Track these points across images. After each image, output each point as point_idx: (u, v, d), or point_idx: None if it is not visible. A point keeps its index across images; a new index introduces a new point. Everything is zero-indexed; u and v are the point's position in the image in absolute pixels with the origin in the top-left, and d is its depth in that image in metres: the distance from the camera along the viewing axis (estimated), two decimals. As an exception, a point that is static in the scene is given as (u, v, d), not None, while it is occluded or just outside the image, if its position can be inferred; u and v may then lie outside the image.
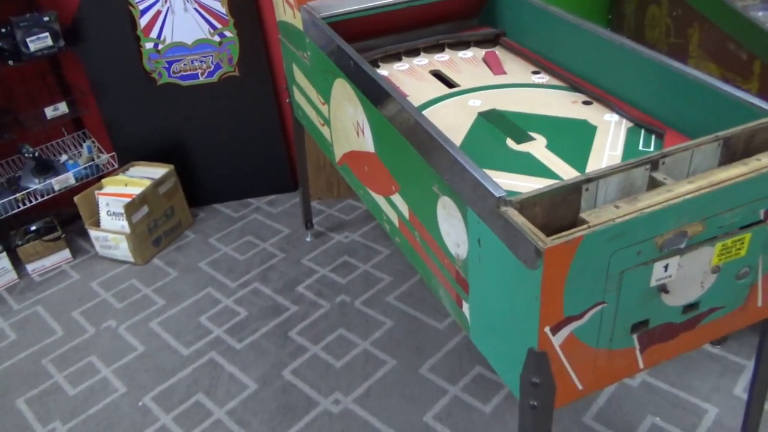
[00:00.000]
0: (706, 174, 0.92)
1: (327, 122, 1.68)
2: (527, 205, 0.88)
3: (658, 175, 0.94)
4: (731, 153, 1.01)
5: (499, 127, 1.32)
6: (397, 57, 1.70)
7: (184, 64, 2.35)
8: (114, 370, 1.87)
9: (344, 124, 1.53)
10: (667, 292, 0.93)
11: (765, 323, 1.15)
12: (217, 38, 2.33)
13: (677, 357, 1.71)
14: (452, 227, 1.06)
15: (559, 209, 0.91)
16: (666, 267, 0.90)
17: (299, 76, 1.84)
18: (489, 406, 1.63)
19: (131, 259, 2.29)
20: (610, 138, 1.26)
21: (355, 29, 1.64)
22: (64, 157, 2.37)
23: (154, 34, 2.29)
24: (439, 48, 1.74)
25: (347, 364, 1.81)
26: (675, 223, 0.87)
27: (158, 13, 2.26)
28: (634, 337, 0.96)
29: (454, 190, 1.01)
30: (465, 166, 0.95)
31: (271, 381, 1.77)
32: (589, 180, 0.91)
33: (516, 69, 1.59)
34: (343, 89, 1.46)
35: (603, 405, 1.60)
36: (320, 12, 1.57)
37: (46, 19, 2.10)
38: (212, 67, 2.37)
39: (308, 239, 2.39)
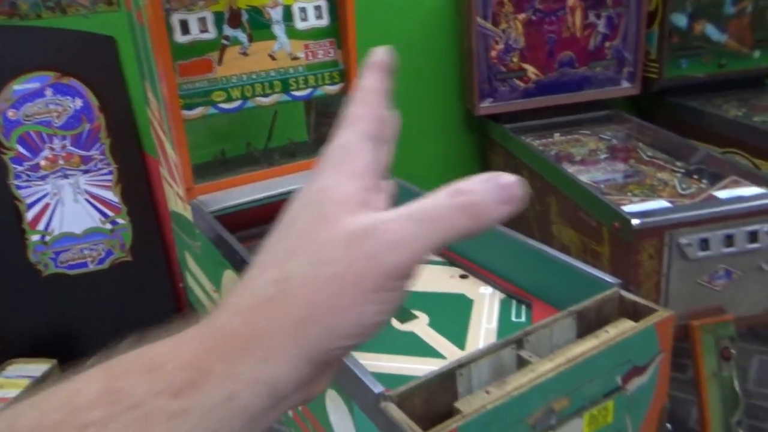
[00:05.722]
0: (565, 349, 1.01)
1: (220, 309, 1.68)
2: (406, 397, 0.91)
3: (524, 353, 1.02)
4: (586, 324, 1.12)
5: (384, 308, 1.39)
6: (287, 241, 1.78)
7: (73, 254, 2.31)
8: None
9: (236, 312, 1.55)
10: (547, 468, 0.97)
11: (648, 481, 1.19)
12: (108, 226, 2.34)
13: None
14: (341, 420, 1.07)
15: (437, 397, 0.95)
16: (542, 444, 0.95)
17: (191, 263, 1.87)
18: None
19: (2, 473, 2.04)
20: (486, 310, 1.36)
21: (246, 218, 1.72)
22: (-70, 361, 2.17)
23: (41, 226, 2.26)
24: (327, 229, 1.84)
25: None
26: (542, 401, 0.94)
27: (47, 206, 2.25)
28: None
29: (338, 384, 1.04)
30: (344, 361, 0.98)
31: None
32: (461, 366, 0.97)
33: (398, 247, 1.71)
34: (232, 280, 1.49)
35: None
36: (209, 206, 1.65)
37: None
38: (103, 254, 2.35)
39: (207, 426, 2.25)
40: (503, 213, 0.32)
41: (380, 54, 0.39)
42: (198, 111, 1.71)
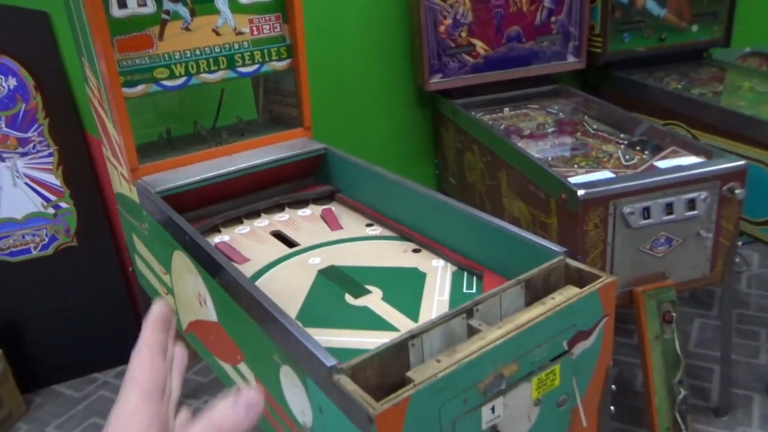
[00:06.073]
0: (513, 317, 1.03)
1: (170, 291, 1.65)
2: (358, 370, 0.92)
3: (474, 322, 1.04)
4: (534, 292, 1.15)
5: (337, 284, 1.39)
6: (238, 220, 1.75)
7: (14, 240, 2.22)
8: None
9: (187, 293, 1.52)
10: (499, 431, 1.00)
11: (595, 440, 1.25)
12: (51, 210, 2.25)
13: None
14: (296, 395, 1.07)
15: (390, 368, 0.96)
16: (493, 409, 0.98)
17: (140, 245, 1.82)
18: None
19: (-53, 468, 1.98)
20: (438, 283, 1.38)
21: (194, 198, 1.68)
22: None
23: (-23, 212, 2.16)
24: (279, 208, 1.83)
25: None
26: (492, 367, 0.96)
27: (-17, 191, 2.16)
28: (479, 480, 1.01)
29: (291, 359, 1.04)
30: (297, 336, 0.98)
31: None
32: (413, 336, 0.98)
33: (351, 223, 1.71)
34: (182, 261, 1.47)
35: None
36: (155, 186, 1.60)
37: None
38: (46, 240, 2.26)
39: (163, 410, 2.22)
40: (249, 419, 0.40)
41: (158, 308, 0.46)
42: (140, 89, 1.65)
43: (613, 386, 1.21)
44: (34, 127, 2.18)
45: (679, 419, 1.72)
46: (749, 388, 2.08)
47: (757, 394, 2.05)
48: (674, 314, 1.72)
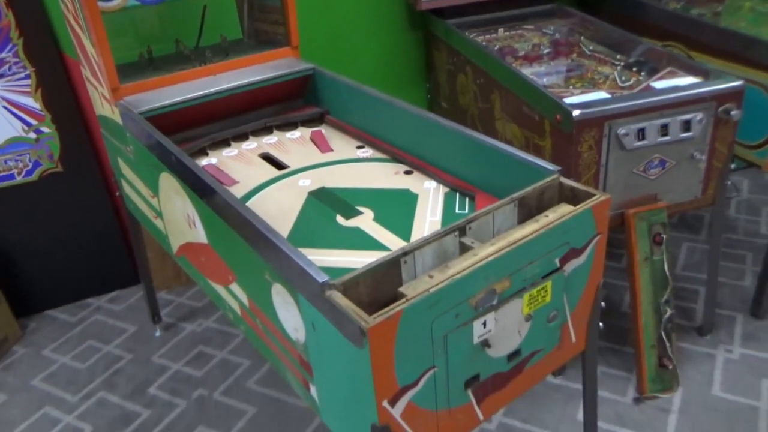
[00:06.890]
0: (506, 234, 1.03)
1: (159, 214, 1.63)
2: (351, 285, 0.92)
3: (467, 240, 1.03)
4: (527, 210, 1.14)
5: (328, 205, 1.38)
6: (225, 143, 1.71)
7: (-4, 166, 2.18)
8: None
9: (176, 216, 1.50)
10: (489, 346, 1.01)
11: (583, 355, 1.27)
12: (32, 135, 2.19)
13: (527, 393, 1.83)
14: (288, 312, 1.07)
15: (382, 284, 0.96)
16: (484, 323, 0.99)
17: (125, 169, 1.79)
18: (360, 478, 1.62)
19: (-54, 390, 2.01)
20: (430, 204, 1.36)
21: (179, 120, 1.63)
22: None
23: (-44, 136, 2.10)
24: (267, 130, 1.78)
25: (210, 463, 1.71)
26: (484, 283, 0.96)
27: (-40, 114, 2.09)
28: (469, 392, 1.03)
29: (283, 277, 1.03)
30: (289, 254, 0.97)
31: (126, 500, 1.63)
32: (405, 253, 0.97)
33: (341, 145, 1.67)
34: (169, 183, 1.44)
35: (466, 455, 1.66)
36: (138, 107, 1.55)
37: None
38: (30, 165, 2.21)
39: (157, 334, 2.26)
40: None
41: None
42: (116, 2, 1.57)
43: (602, 303, 1.23)
44: (8, 48, 2.08)
45: (664, 337, 1.76)
46: (733, 308, 2.13)
47: (740, 315, 2.10)
48: (664, 236, 1.73)
